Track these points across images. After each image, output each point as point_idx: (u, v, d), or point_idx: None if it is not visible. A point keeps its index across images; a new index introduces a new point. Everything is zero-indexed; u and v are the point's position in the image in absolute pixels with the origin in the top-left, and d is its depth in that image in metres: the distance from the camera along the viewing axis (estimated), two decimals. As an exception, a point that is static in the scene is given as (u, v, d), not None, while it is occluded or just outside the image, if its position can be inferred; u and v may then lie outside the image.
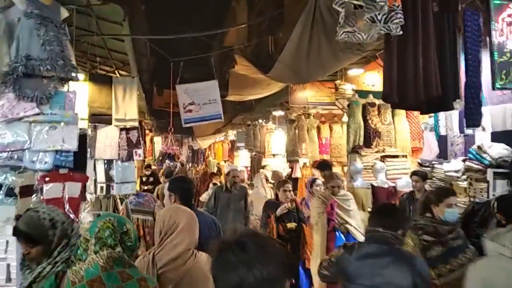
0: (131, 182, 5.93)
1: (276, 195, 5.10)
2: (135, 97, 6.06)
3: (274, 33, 9.15)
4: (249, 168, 14.66)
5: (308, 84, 9.59)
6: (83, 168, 3.01)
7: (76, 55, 7.07)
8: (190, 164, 18.09)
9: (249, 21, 11.10)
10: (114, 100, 5.93)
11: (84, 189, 2.90)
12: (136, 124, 6.04)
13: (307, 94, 9.45)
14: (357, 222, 4.86)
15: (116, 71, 8.56)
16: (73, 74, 2.88)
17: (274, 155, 11.97)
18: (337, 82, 9.35)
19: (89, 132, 5.87)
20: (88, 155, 5.82)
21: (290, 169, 10.39)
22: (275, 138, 11.86)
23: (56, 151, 2.89)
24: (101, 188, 5.83)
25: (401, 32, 3.21)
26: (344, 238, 4.63)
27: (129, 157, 5.95)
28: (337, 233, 4.68)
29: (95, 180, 5.86)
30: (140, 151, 5.99)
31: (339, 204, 4.77)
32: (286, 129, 12.02)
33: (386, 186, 6.17)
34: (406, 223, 2.70)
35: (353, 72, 8.56)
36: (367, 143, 7.53)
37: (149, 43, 7.24)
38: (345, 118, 9.59)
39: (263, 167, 11.62)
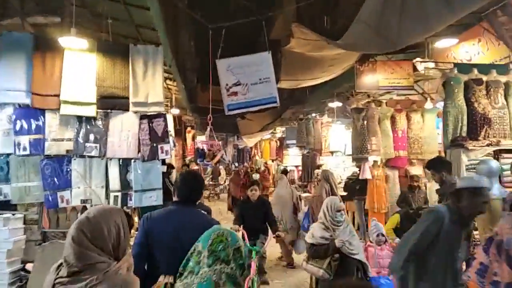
0: (156, 189, 4.10)
1: None
2: (160, 73, 4.20)
3: (330, 12, 7.07)
4: (300, 168, 12.66)
5: (378, 63, 7.45)
6: None
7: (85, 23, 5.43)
8: (236, 164, 16.33)
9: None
10: (132, 78, 4.11)
11: None
12: (162, 109, 4.18)
13: (378, 77, 7.33)
14: None
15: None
16: None
17: (332, 152, 9.86)
18: (416, 60, 7.15)
19: (99, 122, 4.10)
20: (97, 153, 4.06)
21: (357, 169, 8.26)
22: (333, 133, 9.74)
23: None
24: (115, 198, 4.02)
25: None
26: None
27: (153, 155, 4.10)
28: None
29: (107, 188, 4.09)
30: (167, 147, 4.12)
31: None
32: (348, 121, 9.88)
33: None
34: None
35: (443, 43, 6.30)
36: (473, 134, 5.30)
37: (187, 9, 5.40)
38: (428, 105, 7.33)
39: (318, 167, 9.55)
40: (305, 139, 10.39)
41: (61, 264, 1.48)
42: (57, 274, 1.46)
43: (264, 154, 15.26)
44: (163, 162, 5.72)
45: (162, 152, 4.11)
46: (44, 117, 3.99)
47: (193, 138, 11.26)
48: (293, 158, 13.00)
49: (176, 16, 6.36)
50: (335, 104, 9.56)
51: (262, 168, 13.21)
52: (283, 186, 6.96)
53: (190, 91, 8.98)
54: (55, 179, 3.97)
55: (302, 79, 7.54)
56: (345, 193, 8.76)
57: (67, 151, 4.00)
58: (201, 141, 4.84)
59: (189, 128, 11.15)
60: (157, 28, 5.14)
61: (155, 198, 3.96)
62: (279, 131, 14.07)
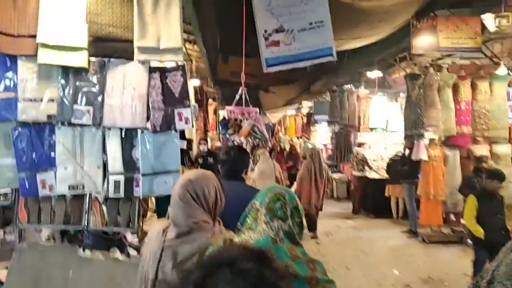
0: (173, 172, 2.84)
1: None
2: (177, 6, 2.86)
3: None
4: (329, 146, 11.28)
5: (439, 19, 5.88)
6: None
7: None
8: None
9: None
10: (138, 12, 2.80)
11: None
12: (180, 58, 2.87)
13: (438, 36, 5.80)
14: None
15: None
16: None
17: (371, 129, 8.43)
18: (485, 16, 5.62)
19: (92, 75, 2.81)
20: (90, 120, 2.78)
21: (402, 149, 6.87)
22: (374, 107, 8.30)
23: None
24: (116, 184, 2.78)
25: None
26: None
27: (168, 124, 2.81)
28: None
29: (105, 169, 2.84)
30: (187, 113, 2.80)
31: None
32: (390, 93, 8.42)
33: None
34: None
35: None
36: None
37: None
38: (501, 70, 5.82)
39: (359, 145, 8.15)
40: (338, 114, 8.97)
41: (165, 229, 1.54)
42: (165, 237, 1.51)
43: (289, 131, 13.89)
44: (183, 135, 4.45)
45: (181, 120, 2.80)
46: (16, 67, 2.72)
47: (215, 112, 10.00)
48: (321, 135, 11.61)
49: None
50: (375, 74, 8.08)
51: (288, 146, 11.86)
52: (265, 161, 6.05)
53: (211, 61, 7.68)
54: (33, 156, 2.73)
55: (345, 38, 6.06)
56: (387, 176, 7.42)
57: (49, 116, 2.73)
58: (229, 109, 3.52)
59: (210, 100, 9.83)
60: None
61: (171, 185, 2.67)
62: (305, 106, 12.61)
